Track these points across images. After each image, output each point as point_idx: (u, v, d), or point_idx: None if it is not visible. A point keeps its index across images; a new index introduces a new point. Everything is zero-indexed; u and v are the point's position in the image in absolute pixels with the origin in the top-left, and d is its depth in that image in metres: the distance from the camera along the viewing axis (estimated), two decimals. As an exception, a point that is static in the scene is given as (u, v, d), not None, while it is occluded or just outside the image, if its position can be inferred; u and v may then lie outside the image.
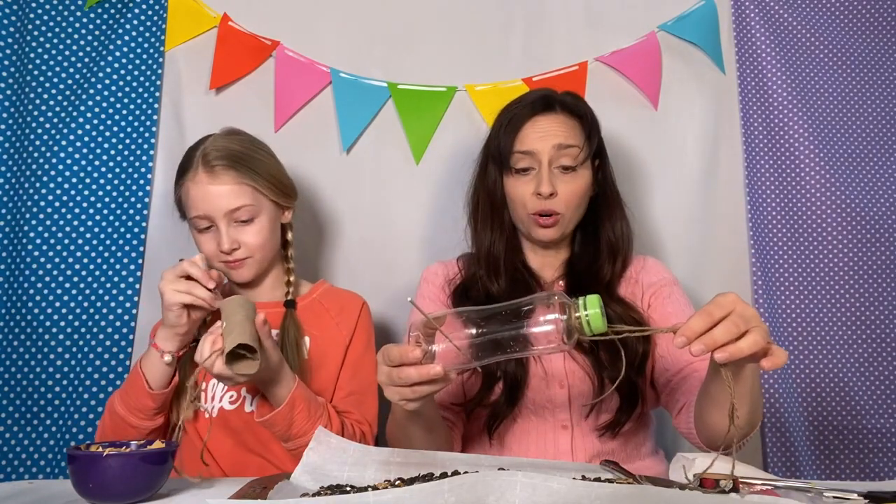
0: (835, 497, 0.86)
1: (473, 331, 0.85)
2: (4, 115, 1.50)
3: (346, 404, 1.29)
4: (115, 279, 1.54)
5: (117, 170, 1.57)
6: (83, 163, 1.56)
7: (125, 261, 1.54)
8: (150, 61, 1.60)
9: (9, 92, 1.51)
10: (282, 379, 1.16)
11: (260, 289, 1.35)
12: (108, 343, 1.51)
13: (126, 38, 1.59)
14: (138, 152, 1.58)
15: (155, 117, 1.58)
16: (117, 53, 1.58)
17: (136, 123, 1.59)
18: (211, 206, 1.24)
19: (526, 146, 1.26)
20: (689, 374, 1.18)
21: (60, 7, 1.59)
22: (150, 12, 1.61)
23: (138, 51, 1.60)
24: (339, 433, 1.19)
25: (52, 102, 1.56)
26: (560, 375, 1.24)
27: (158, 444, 0.93)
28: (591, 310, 0.83)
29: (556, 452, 1.23)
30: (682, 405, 1.18)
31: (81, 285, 1.53)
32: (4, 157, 1.49)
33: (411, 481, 0.87)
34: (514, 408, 1.22)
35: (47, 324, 1.51)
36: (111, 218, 1.56)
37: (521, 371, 1.22)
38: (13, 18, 1.53)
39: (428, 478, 0.89)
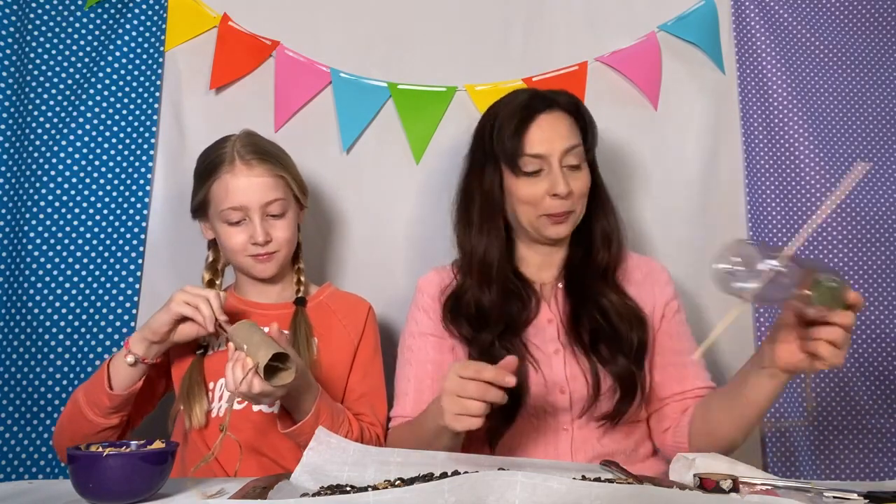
0: (835, 497, 0.87)
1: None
2: (4, 115, 1.50)
3: (358, 406, 1.30)
4: (115, 279, 1.54)
5: (117, 170, 1.57)
6: (83, 163, 1.55)
7: (125, 261, 1.54)
8: (150, 61, 1.60)
9: (9, 92, 1.51)
10: (308, 387, 1.15)
11: (273, 288, 1.36)
12: (108, 343, 1.51)
13: (126, 38, 1.59)
14: (138, 152, 1.57)
15: (155, 117, 1.58)
16: (117, 53, 1.58)
17: (136, 123, 1.59)
18: (249, 198, 1.26)
19: (535, 149, 1.25)
20: (686, 398, 1.27)
21: (60, 7, 1.59)
22: (150, 12, 1.61)
23: (138, 51, 1.60)
24: (359, 439, 1.19)
25: (52, 102, 1.56)
26: (561, 382, 1.25)
27: (158, 444, 0.93)
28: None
29: (557, 453, 1.24)
30: (668, 426, 1.28)
31: (81, 285, 1.53)
32: (4, 157, 1.49)
33: (411, 481, 0.87)
34: (512, 422, 1.22)
35: (47, 324, 1.50)
36: (111, 218, 1.56)
37: (523, 381, 1.20)
38: (13, 18, 1.53)
39: (428, 478, 0.89)
